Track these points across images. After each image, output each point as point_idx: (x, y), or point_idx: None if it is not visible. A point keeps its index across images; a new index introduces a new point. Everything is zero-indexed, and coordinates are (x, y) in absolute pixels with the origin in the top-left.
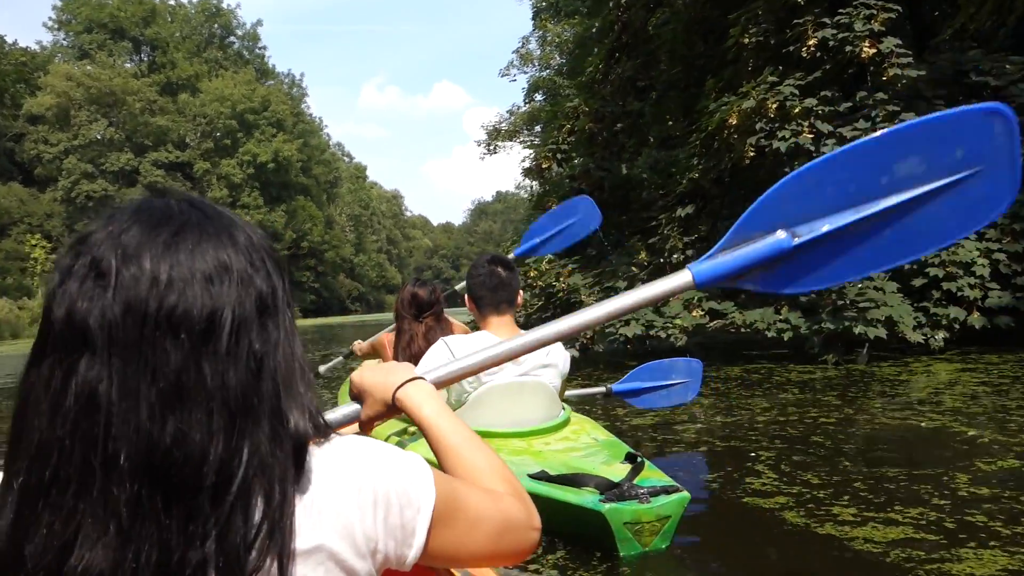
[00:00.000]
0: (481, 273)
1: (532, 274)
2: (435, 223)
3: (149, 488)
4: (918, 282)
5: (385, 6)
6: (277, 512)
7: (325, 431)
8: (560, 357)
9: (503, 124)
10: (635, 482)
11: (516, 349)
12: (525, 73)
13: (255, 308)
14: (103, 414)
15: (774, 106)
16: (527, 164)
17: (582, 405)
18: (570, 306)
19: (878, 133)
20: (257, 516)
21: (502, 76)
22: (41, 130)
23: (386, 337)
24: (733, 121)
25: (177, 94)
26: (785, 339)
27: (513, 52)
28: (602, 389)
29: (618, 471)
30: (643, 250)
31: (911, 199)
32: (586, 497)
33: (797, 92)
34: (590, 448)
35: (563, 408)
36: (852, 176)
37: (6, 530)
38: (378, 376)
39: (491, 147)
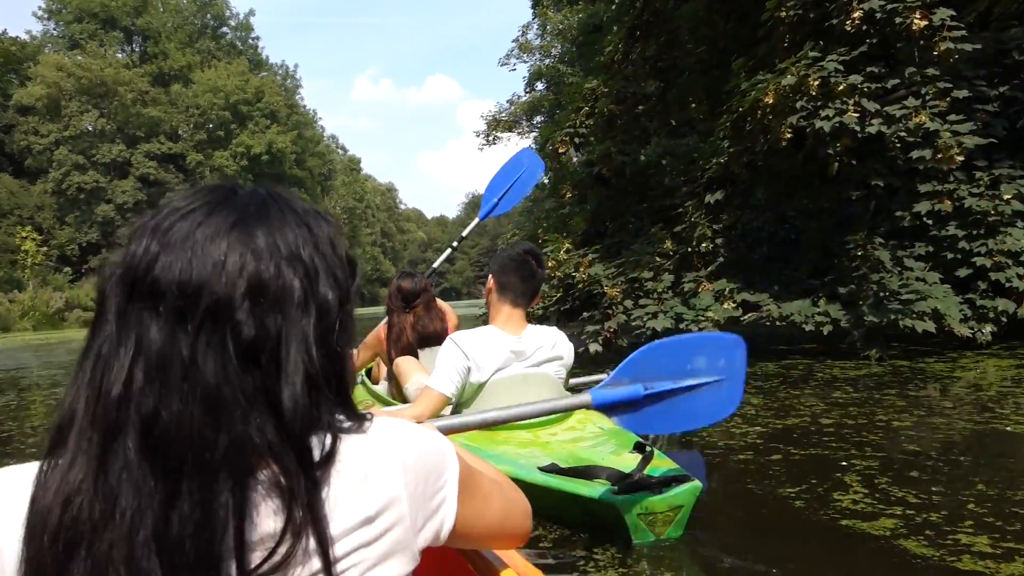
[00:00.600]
0: (515, 259)
1: (550, 264)
2: (429, 216)
3: (138, 454)
4: (963, 272)
5: None
6: (299, 507)
7: (363, 415)
8: (565, 349)
9: (503, 114)
10: (646, 472)
11: (512, 415)
12: (525, 63)
13: (245, 295)
14: (100, 370)
15: (816, 83)
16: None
17: None
18: (591, 297)
19: (691, 334)
20: (269, 508)
21: (501, 65)
22: (31, 121)
23: (382, 330)
24: (769, 100)
25: (169, 85)
26: (824, 333)
27: (513, 41)
28: (604, 377)
29: (627, 461)
30: (668, 239)
31: (698, 384)
32: (599, 489)
33: (841, 68)
34: (597, 437)
35: None
36: (673, 358)
37: (37, 474)
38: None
39: (490, 137)
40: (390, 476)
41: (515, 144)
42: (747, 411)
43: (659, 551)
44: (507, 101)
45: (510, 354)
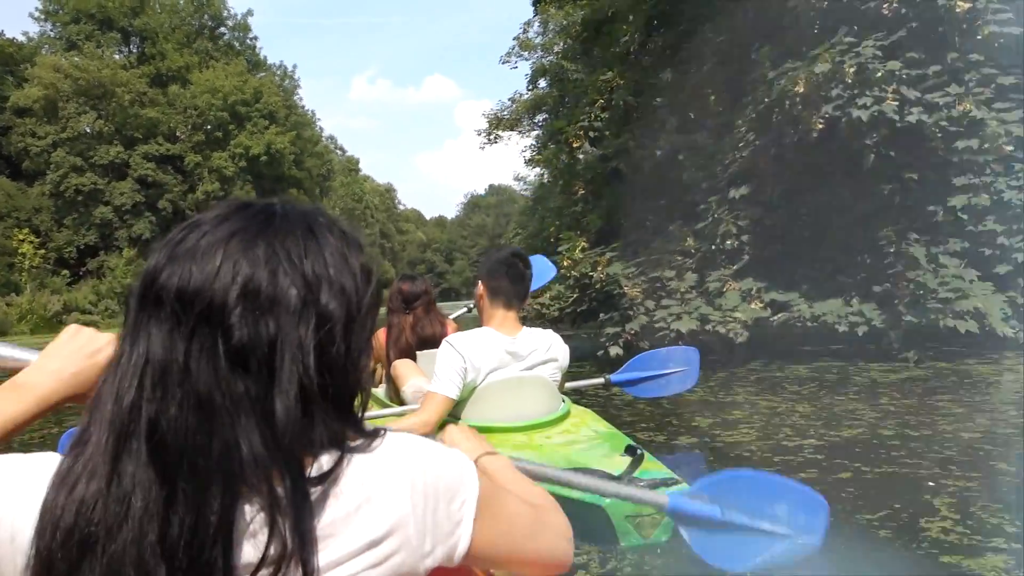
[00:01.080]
0: (504, 262)
1: (566, 263)
2: (428, 217)
3: (146, 458)
4: (1002, 269)
5: None
6: (284, 524)
7: (374, 432)
8: (560, 352)
9: (505, 112)
10: (635, 475)
11: (585, 485)
12: (527, 60)
13: (238, 300)
14: (118, 377)
15: (851, 70)
16: (528, 155)
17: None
18: (609, 298)
19: (785, 479)
20: (256, 519)
21: (502, 63)
22: (28, 123)
23: (382, 333)
24: (800, 89)
25: (167, 85)
26: (860, 334)
27: (513, 39)
28: (601, 380)
29: (618, 463)
30: (690, 236)
31: (770, 531)
32: None
33: (880, 53)
34: (591, 441)
35: (563, 401)
36: (758, 495)
37: (56, 471)
38: (471, 443)
39: (492, 136)
40: (396, 498)
41: (516, 143)
42: (795, 420)
43: (646, 554)
44: (508, 99)
45: (506, 355)
